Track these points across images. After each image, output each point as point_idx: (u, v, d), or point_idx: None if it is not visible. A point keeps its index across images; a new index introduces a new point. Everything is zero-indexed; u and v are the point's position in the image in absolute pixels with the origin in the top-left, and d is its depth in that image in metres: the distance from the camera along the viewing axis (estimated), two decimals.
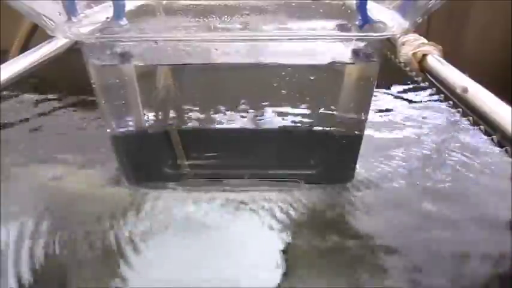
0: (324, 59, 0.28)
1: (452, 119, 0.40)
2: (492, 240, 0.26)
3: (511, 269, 0.24)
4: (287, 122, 0.29)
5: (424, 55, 0.28)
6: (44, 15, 0.26)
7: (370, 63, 0.28)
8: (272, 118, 0.30)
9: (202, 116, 0.30)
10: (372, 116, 0.40)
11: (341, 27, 0.30)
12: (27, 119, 0.41)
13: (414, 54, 0.28)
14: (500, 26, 0.91)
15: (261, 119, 0.30)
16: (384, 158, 0.34)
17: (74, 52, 0.30)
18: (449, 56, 0.29)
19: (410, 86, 0.47)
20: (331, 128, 0.29)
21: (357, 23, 0.28)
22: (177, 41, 0.28)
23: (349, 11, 0.31)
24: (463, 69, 0.26)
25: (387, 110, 0.42)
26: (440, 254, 0.25)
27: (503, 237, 0.26)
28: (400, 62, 0.46)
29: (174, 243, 0.26)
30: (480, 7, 0.92)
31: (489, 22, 0.92)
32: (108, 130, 0.30)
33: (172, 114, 0.30)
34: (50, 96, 0.45)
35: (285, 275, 0.23)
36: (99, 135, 0.37)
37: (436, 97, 0.44)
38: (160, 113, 0.30)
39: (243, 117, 0.30)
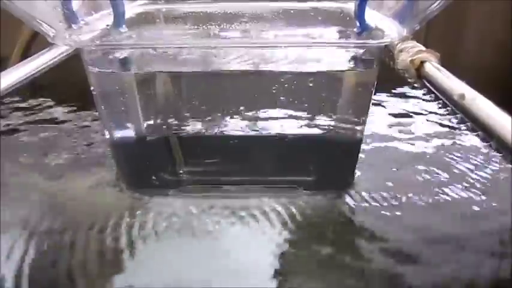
0: (322, 66, 0.28)
1: (450, 125, 0.40)
2: (490, 247, 0.26)
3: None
4: (286, 128, 0.30)
5: (422, 62, 0.28)
6: (44, 22, 0.26)
7: (369, 70, 0.28)
8: (271, 124, 0.30)
9: (201, 122, 0.30)
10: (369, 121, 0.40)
11: (339, 34, 0.30)
12: (27, 126, 0.41)
13: (412, 61, 0.28)
14: (499, 29, 0.91)
15: (260, 126, 0.30)
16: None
17: (74, 59, 0.30)
18: (448, 61, 0.29)
19: (409, 92, 0.47)
20: (330, 135, 0.30)
21: (355, 30, 0.28)
22: (177, 48, 0.28)
23: (347, 18, 0.31)
24: (462, 74, 0.26)
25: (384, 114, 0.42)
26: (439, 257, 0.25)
27: (502, 245, 0.26)
28: (398, 69, 0.46)
29: (172, 249, 0.26)
30: (478, 11, 0.92)
31: (488, 26, 0.93)
32: (108, 136, 0.30)
33: (171, 120, 0.30)
34: (50, 103, 0.45)
35: (283, 281, 0.23)
36: (98, 142, 0.37)
37: (434, 103, 0.44)
38: (159, 120, 0.30)
39: (242, 123, 0.30)
